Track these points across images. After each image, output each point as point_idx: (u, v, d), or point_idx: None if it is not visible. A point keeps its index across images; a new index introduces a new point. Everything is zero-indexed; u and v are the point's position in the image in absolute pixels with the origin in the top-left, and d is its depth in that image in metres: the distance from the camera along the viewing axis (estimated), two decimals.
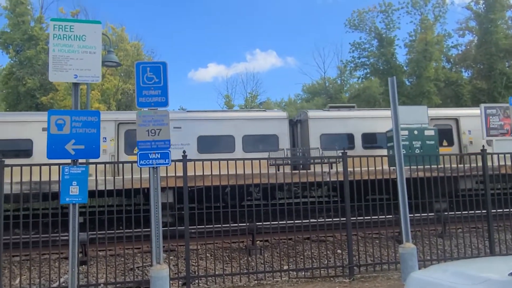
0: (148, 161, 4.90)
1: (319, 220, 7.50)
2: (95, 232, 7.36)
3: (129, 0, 56.37)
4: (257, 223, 7.76)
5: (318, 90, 46.59)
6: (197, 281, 6.82)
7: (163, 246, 6.75)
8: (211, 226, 7.05)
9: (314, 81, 47.68)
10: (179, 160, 6.61)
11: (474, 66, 33.02)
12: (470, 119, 15.20)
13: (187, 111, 15.58)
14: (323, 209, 7.57)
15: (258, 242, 8.05)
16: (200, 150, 13.47)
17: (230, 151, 13.71)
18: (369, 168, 7.63)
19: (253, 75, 69.19)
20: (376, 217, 7.78)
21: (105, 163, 7.69)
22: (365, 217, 7.67)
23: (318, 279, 7.00)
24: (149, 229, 5.22)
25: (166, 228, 6.98)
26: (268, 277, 7.02)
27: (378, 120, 14.50)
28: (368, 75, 37.35)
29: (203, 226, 7.24)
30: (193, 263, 7.35)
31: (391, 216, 8.20)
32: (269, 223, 7.51)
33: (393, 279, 6.87)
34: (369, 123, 14.90)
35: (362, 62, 36.49)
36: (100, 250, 7.63)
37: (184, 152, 6.93)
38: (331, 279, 7.01)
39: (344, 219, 7.50)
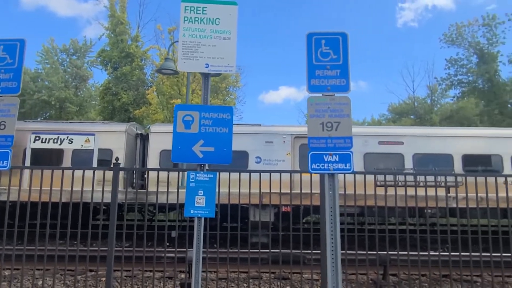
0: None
1: (462, 254, 5.98)
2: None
3: None
4: (391, 253, 6.33)
5: (406, 111, 43.69)
6: None
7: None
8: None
9: (402, 100, 44.84)
10: None
11: None
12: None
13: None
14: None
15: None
16: None
17: None
18: None
19: None
20: None
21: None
22: None
23: None
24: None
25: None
26: None
27: None
28: (464, 94, 34.06)
29: (318, 251, 6.10)
30: None
31: None
32: (406, 253, 6.08)
33: None
34: None
35: (459, 80, 33.30)
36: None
37: None
38: None
39: (498, 254, 5.95)
